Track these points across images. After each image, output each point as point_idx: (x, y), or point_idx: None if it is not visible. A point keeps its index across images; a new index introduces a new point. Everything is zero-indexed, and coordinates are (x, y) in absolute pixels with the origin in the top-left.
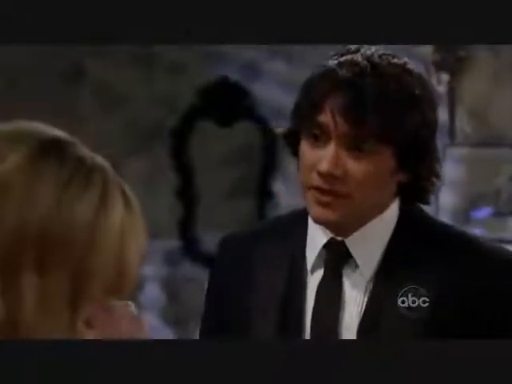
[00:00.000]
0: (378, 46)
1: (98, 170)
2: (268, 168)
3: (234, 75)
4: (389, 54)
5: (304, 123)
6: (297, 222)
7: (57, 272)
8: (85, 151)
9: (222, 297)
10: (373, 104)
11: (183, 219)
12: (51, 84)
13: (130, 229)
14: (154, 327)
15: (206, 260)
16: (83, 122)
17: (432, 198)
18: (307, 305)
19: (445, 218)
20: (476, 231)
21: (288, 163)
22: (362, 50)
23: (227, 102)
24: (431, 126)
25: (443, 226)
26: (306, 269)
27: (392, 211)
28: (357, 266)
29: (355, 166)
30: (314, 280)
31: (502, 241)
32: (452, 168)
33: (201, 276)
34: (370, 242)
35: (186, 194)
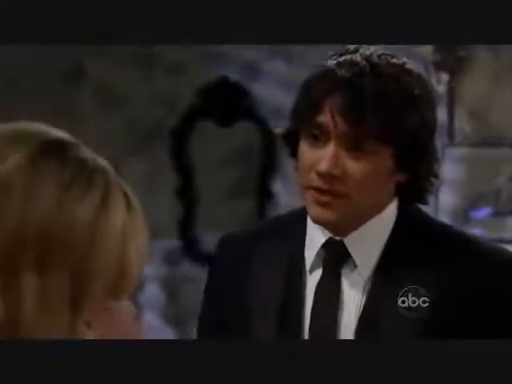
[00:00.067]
0: (377, 46)
1: (99, 172)
2: (268, 168)
3: (233, 75)
4: (388, 54)
5: (303, 123)
6: (296, 222)
7: (57, 272)
8: (87, 153)
9: (221, 296)
10: (372, 104)
11: (183, 219)
12: (51, 84)
13: (131, 230)
14: (154, 327)
15: (206, 260)
16: (83, 121)
17: (431, 197)
18: (306, 304)
19: (444, 217)
20: (476, 231)
21: (288, 163)
22: (361, 50)
23: (227, 102)
24: (430, 126)
25: (442, 225)
26: (305, 268)
27: (391, 211)
28: (355, 266)
29: (354, 166)
30: (312, 280)
31: (501, 241)
32: (452, 168)
33: (200, 276)
34: (369, 242)
35: (186, 194)
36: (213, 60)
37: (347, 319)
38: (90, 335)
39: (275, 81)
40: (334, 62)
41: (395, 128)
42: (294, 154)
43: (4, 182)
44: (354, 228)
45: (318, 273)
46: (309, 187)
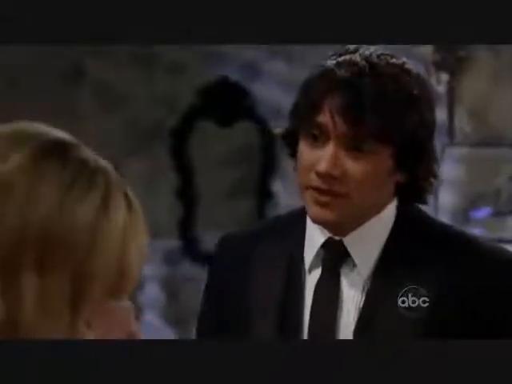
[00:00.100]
0: (376, 46)
1: (100, 172)
2: (268, 168)
3: (233, 75)
4: (387, 54)
5: (302, 123)
6: (295, 222)
7: (57, 273)
8: (88, 153)
9: (220, 296)
10: (371, 104)
11: (183, 219)
12: (51, 84)
13: (132, 231)
14: (154, 326)
15: (206, 260)
16: (83, 121)
17: (431, 197)
18: (305, 304)
19: (444, 217)
20: (476, 231)
21: (287, 163)
22: (361, 50)
23: (227, 102)
24: (429, 126)
25: (442, 225)
26: (304, 268)
27: (390, 211)
28: (354, 265)
29: (354, 166)
30: (311, 279)
31: (501, 240)
32: (451, 168)
33: (200, 276)
34: (368, 242)
35: (186, 194)
36: (213, 60)
37: (346, 319)
38: (90, 335)
39: (275, 81)
40: (334, 62)
41: (394, 128)
42: (294, 154)
43: (5, 182)
44: (354, 228)
45: (318, 272)
46: (308, 187)
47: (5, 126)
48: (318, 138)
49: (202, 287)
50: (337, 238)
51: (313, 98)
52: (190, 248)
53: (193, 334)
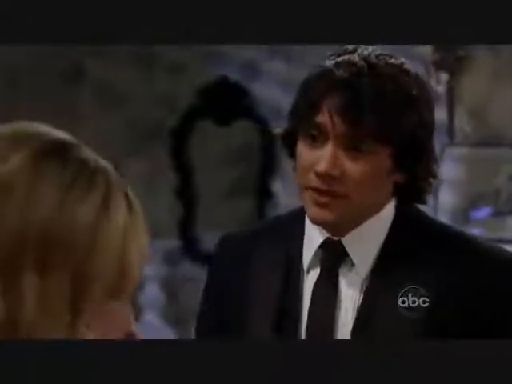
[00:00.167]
0: (374, 46)
1: (101, 173)
2: (267, 168)
3: (233, 75)
4: (386, 54)
5: (301, 124)
6: (295, 222)
7: (58, 273)
8: (88, 153)
9: (220, 296)
10: (370, 104)
11: (183, 219)
12: (51, 84)
13: (132, 231)
14: (153, 326)
15: (206, 259)
16: (83, 121)
17: (431, 197)
18: (304, 304)
19: (444, 217)
20: (475, 231)
21: (287, 163)
22: (359, 51)
23: (227, 101)
24: (428, 126)
25: (441, 225)
26: (303, 268)
27: (388, 211)
28: (353, 265)
29: (352, 167)
30: (310, 279)
31: (501, 240)
32: (451, 168)
33: (200, 276)
34: (367, 241)
35: (186, 194)
36: (212, 60)
37: (344, 318)
38: (90, 335)
39: (275, 81)
40: (332, 62)
41: (393, 128)
42: (293, 154)
43: (5, 182)
44: (352, 228)
45: (316, 272)
46: (307, 187)
47: (5, 126)
48: (317, 138)
49: (202, 287)
50: (335, 238)
51: (311, 99)
52: (189, 248)
53: (192, 334)
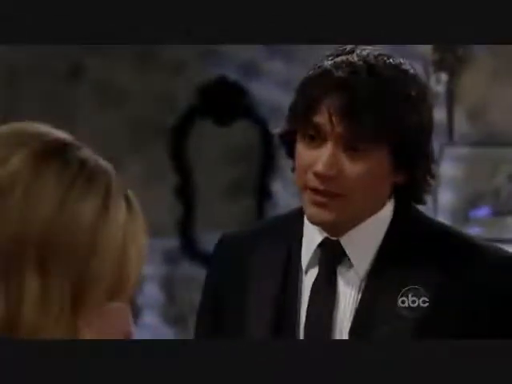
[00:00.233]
0: (373, 47)
1: (100, 173)
2: (266, 167)
3: (232, 75)
4: (384, 55)
5: (300, 124)
6: (294, 222)
7: (58, 273)
8: (88, 154)
9: (219, 296)
10: (368, 105)
11: (182, 218)
12: (51, 84)
13: (132, 232)
14: (152, 326)
15: (205, 259)
16: (83, 121)
17: (429, 197)
18: (302, 304)
19: (443, 217)
20: (475, 230)
21: (286, 163)
22: (358, 51)
23: (226, 101)
24: (427, 126)
25: (439, 225)
26: (302, 268)
27: (387, 211)
28: (351, 265)
29: (351, 167)
30: (308, 279)
31: (500, 240)
32: (451, 167)
33: (200, 275)
34: (365, 241)
35: (185, 194)
36: (212, 59)
37: (343, 318)
38: (90, 335)
39: (274, 80)
40: (331, 62)
41: (392, 128)
42: (291, 154)
43: (5, 182)
44: (350, 228)
45: (315, 272)
46: (306, 188)
47: (5, 126)
48: (316, 138)
49: (201, 287)
50: (334, 238)
51: (310, 99)
52: (189, 247)
53: (191, 334)
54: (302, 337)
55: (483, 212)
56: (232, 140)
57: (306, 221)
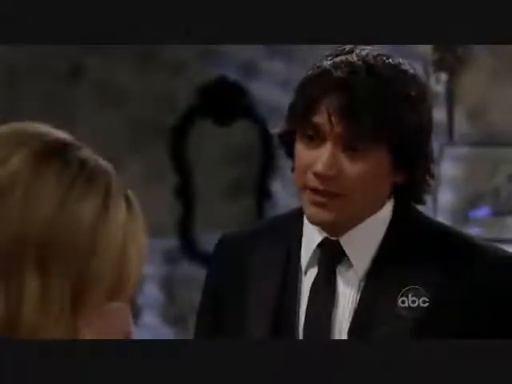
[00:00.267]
0: (373, 46)
1: (100, 173)
2: (266, 167)
3: (232, 74)
4: (384, 55)
5: (299, 124)
6: (293, 222)
7: (58, 273)
8: (88, 154)
9: (218, 296)
10: (368, 105)
11: (182, 218)
12: (51, 84)
13: (132, 232)
14: (152, 326)
15: (205, 259)
16: (83, 121)
17: (429, 197)
18: (301, 304)
19: (443, 217)
20: (475, 230)
21: (286, 163)
22: (357, 51)
23: (226, 101)
24: (426, 126)
25: (439, 225)
26: (301, 268)
27: (386, 211)
28: (351, 265)
29: (350, 167)
30: (308, 279)
31: (500, 240)
32: (450, 167)
33: (199, 275)
34: (364, 241)
35: (185, 194)
36: (211, 59)
37: (342, 318)
38: (90, 335)
39: (274, 80)
40: (330, 62)
41: (391, 128)
42: (291, 154)
43: (5, 182)
44: (350, 228)
45: (314, 272)
46: (305, 187)
47: (5, 126)
48: (315, 138)
49: (201, 287)
50: (333, 238)
51: (309, 99)
52: (188, 248)
53: (191, 334)
54: (301, 337)
55: (483, 212)
56: (232, 140)
57: (305, 221)
